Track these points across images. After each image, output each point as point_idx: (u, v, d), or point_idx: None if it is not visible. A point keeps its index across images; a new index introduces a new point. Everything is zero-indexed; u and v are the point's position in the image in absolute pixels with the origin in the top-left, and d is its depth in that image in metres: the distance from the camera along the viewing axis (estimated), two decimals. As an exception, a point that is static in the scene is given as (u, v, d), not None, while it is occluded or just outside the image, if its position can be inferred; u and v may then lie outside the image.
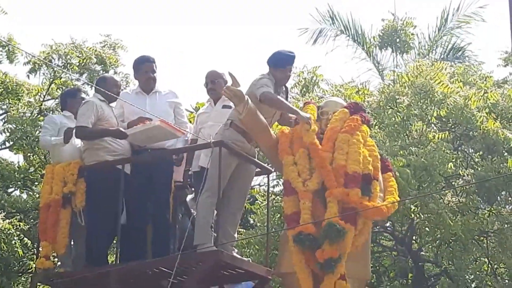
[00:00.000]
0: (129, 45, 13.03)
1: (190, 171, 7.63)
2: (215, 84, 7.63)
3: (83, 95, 8.07)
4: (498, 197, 11.05)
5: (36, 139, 11.27)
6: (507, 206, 11.06)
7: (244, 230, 11.71)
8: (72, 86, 12.32)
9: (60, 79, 12.58)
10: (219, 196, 6.83)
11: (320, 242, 6.42)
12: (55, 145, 7.48)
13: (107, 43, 12.83)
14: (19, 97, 12.16)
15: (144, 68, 7.60)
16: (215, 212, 6.99)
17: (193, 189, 7.69)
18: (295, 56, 7.19)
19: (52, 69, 12.39)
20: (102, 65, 12.61)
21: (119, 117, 7.52)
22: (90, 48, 12.52)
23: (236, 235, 7.21)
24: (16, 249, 9.85)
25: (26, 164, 12.25)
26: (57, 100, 12.37)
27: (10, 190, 12.22)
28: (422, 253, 11.91)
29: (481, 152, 11.16)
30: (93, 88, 11.84)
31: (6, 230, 9.63)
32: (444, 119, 11.21)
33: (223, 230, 6.91)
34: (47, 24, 26.79)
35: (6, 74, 12.06)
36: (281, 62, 7.11)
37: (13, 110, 12.19)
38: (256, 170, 7.55)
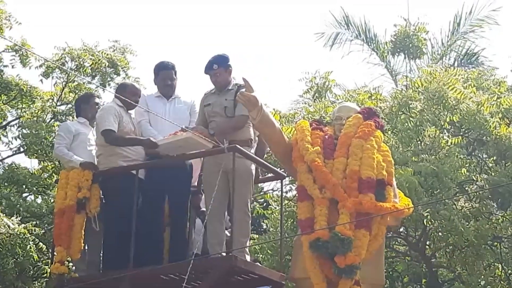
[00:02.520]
0: (136, 48, 13.09)
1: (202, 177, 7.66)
2: None
3: (97, 100, 8.09)
4: (512, 203, 11.01)
5: (51, 145, 11.32)
6: (520, 212, 11.03)
7: (257, 236, 11.72)
8: (84, 89, 12.41)
9: (73, 82, 12.65)
10: (233, 203, 6.85)
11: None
12: (68, 162, 7.52)
13: (116, 48, 12.90)
14: (34, 99, 12.22)
15: (162, 75, 7.63)
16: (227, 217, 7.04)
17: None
18: (212, 59, 7.24)
19: (65, 73, 12.45)
20: (113, 68, 12.67)
21: (144, 117, 7.51)
22: (102, 51, 12.59)
23: (248, 239, 7.19)
24: (31, 253, 9.86)
25: (40, 169, 12.31)
26: (70, 104, 12.43)
27: (25, 195, 12.28)
28: (435, 258, 11.88)
29: (494, 158, 11.14)
30: (105, 91, 11.98)
31: (21, 234, 9.65)
32: (457, 125, 11.20)
33: (233, 238, 6.93)
34: (57, 30, 26.89)
35: (20, 77, 12.12)
36: (205, 69, 7.26)
37: (26, 115, 12.26)
38: (270, 175, 7.55)
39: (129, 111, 7.60)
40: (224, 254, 6.92)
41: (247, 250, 7.21)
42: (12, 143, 12.26)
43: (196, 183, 7.78)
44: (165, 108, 7.54)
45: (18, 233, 9.65)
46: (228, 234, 7.23)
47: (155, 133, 7.37)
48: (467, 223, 10.20)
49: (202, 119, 7.33)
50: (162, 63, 7.69)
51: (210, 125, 7.26)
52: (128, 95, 7.48)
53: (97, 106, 7.82)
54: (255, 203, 12.49)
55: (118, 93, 7.58)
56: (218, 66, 7.21)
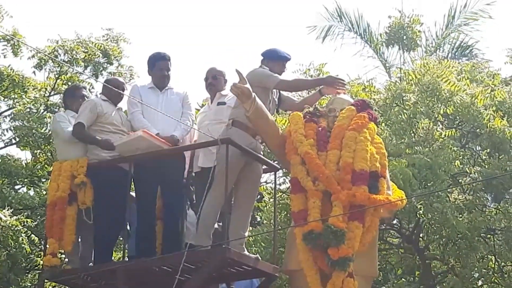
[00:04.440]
0: (130, 36, 13.10)
1: (192, 172, 7.63)
2: (216, 80, 7.66)
3: (84, 92, 8.09)
4: (505, 195, 11.02)
5: (43, 136, 11.31)
6: (514, 204, 11.04)
7: (251, 228, 11.70)
8: (77, 81, 12.38)
9: (66, 74, 12.62)
10: (226, 196, 6.83)
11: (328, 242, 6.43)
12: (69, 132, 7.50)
13: (110, 36, 12.88)
14: (26, 90, 12.19)
15: (159, 66, 7.62)
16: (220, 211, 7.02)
17: (193, 188, 7.72)
18: (291, 59, 7.31)
19: (58, 65, 12.42)
20: (106, 58, 12.65)
21: (137, 107, 7.49)
22: (95, 43, 12.56)
23: (246, 233, 7.20)
24: (23, 245, 9.86)
25: (33, 161, 12.28)
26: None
27: (17, 187, 12.25)
28: (428, 251, 11.89)
29: (488, 150, 11.14)
30: (97, 81, 12.04)
31: (14, 226, 9.64)
32: (451, 117, 11.19)
33: (232, 230, 6.91)
34: (51, 20, 26.83)
35: (11, 68, 12.09)
36: (279, 56, 7.22)
37: (19, 106, 12.22)
38: (263, 167, 7.54)
39: (118, 104, 7.65)
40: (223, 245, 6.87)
41: (244, 244, 7.22)
42: (4, 135, 12.23)
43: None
44: (158, 99, 7.52)
45: (10, 225, 9.65)
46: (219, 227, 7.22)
47: (147, 125, 7.36)
48: (461, 215, 10.20)
49: None
50: (159, 53, 7.68)
51: None
52: (111, 90, 7.55)
53: (81, 100, 7.82)
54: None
55: (104, 89, 7.67)
56: None
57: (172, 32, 30.04)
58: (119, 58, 12.76)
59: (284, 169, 9.43)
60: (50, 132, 10.99)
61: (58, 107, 12.29)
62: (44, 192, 11.11)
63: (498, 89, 11.12)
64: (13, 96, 12.26)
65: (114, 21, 28.09)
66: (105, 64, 12.64)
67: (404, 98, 10.99)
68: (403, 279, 12.39)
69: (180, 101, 7.62)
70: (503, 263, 11.40)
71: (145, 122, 7.38)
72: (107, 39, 12.80)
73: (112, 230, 7.37)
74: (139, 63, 12.75)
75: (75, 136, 7.41)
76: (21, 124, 11.75)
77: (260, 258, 7.46)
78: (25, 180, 12.08)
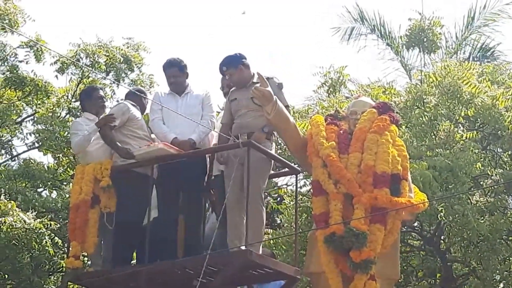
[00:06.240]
0: (150, 45, 13.20)
1: (212, 176, 7.65)
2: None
3: (101, 92, 8.13)
4: (527, 197, 10.98)
5: (65, 140, 11.40)
6: (536, 206, 10.99)
7: (272, 230, 11.73)
8: (99, 85, 12.46)
9: (88, 78, 12.71)
10: (247, 197, 6.85)
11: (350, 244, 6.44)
12: (89, 134, 7.53)
13: (130, 45, 12.98)
14: (48, 94, 12.30)
15: (167, 74, 7.71)
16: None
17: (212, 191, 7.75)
18: (221, 62, 7.27)
19: (80, 69, 12.51)
20: (127, 65, 12.73)
21: (157, 114, 7.56)
22: (116, 47, 12.65)
23: (263, 226, 7.17)
24: (46, 248, 9.95)
25: (55, 164, 12.38)
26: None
27: (40, 190, 12.36)
28: (450, 253, 11.86)
29: (509, 152, 11.10)
30: (119, 85, 12.14)
31: (37, 229, 9.74)
32: (472, 119, 11.16)
33: (248, 229, 6.92)
34: (71, 30, 27.00)
35: (34, 73, 12.20)
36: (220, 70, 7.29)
37: (41, 110, 12.32)
38: (284, 170, 7.55)
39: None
40: (243, 247, 6.88)
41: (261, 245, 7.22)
42: (27, 139, 12.35)
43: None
44: (177, 104, 7.57)
45: (34, 228, 9.73)
46: None
47: (166, 130, 7.42)
48: (482, 218, 10.17)
49: (228, 116, 7.35)
50: (167, 61, 7.74)
51: (236, 120, 7.26)
52: (138, 98, 7.74)
53: (99, 101, 7.89)
54: (269, 198, 12.50)
55: (130, 98, 7.81)
56: (227, 68, 7.25)
57: (172, 32, 30.10)
58: (140, 66, 12.85)
59: (305, 172, 9.45)
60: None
61: (80, 111, 12.38)
62: (67, 195, 11.20)
63: (520, 91, 11.07)
64: (35, 102, 12.37)
65: (115, 20, 28.11)
66: (127, 70, 12.72)
67: (424, 100, 10.98)
68: (424, 282, 12.37)
69: (200, 103, 7.65)
70: (525, 266, 11.36)
71: (164, 128, 7.44)
72: (127, 48, 12.90)
73: (133, 234, 7.40)
74: (148, 66, 12.89)
75: (101, 133, 7.45)
76: (43, 127, 11.85)
77: (275, 257, 7.43)
78: (48, 183, 12.18)
